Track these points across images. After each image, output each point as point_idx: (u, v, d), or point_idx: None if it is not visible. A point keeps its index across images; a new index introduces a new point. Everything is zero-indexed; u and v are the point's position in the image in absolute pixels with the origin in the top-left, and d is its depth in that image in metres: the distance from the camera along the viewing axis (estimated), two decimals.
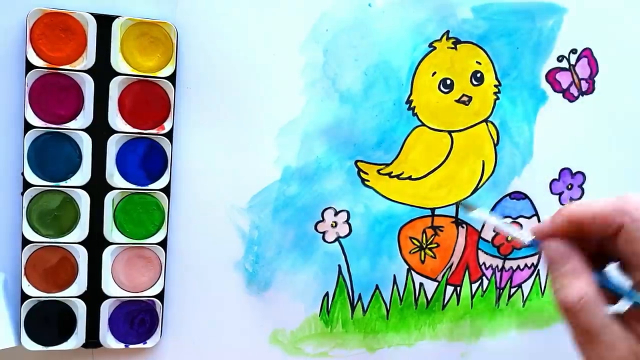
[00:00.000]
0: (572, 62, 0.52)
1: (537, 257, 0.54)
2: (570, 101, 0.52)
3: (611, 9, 0.52)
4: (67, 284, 0.44)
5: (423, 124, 0.49)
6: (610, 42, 0.52)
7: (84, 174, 0.43)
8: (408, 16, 0.47)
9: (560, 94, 0.52)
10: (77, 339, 0.45)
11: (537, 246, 0.35)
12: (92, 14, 0.41)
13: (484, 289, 0.53)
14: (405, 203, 0.50)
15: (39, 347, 0.44)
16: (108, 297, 0.45)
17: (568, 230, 0.34)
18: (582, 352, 0.35)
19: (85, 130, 0.43)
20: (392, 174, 0.49)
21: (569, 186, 0.54)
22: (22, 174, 0.42)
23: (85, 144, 0.43)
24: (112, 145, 0.43)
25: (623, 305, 0.33)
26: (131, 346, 0.46)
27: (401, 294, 0.51)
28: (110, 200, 0.44)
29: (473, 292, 0.53)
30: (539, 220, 0.53)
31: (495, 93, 0.50)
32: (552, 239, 0.34)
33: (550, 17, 0.51)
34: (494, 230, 0.52)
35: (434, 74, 0.49)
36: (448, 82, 0.49)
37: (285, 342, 0.49)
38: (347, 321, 0.50)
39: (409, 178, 0.50)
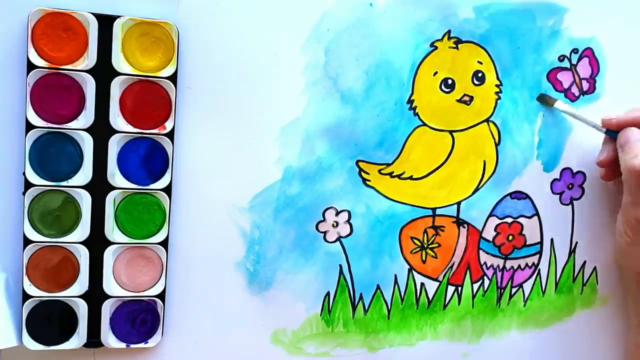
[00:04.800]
0: (574, 61, 0.52)
1: (537, 256, 0.54)
2: (572, 101, 0.52)
3: (612, 9, 0.52)
4: (68, 284, 0.44)
5: (424, 124, 0.49)
6: (612, 42, 0.52)
7: (85, 174, 0.43)
8: (409, 16, 0.47)
9: (562, 94, 0.52)
10: (78, 338, 0.45)
11: (612, 134, 0.46)
12: (93, 14, 0.41)
13: (485, 289, 0.53)
14: (406, 203, 0.50)
15: (41, 347, 0.44)
16: (109, 296, 0.45)
17: (635, 122, 0.45)
18: (634, 209, 0.44)
19: (87, 130, 0.43)
20: (393, 174, 0.49)
21: (570, 186, 0.54)
22: (24, 173, 0.42)
23: (87, 143, 0.43)
24: (114, 145, 0.43)
25: None
26: (132, 346, 0.46)
27: (402, 294, 0.51)
28: (111, 200, 0.44)
29: (474, 292, 0.53)
30: (539, 220, 0.53)
31: (496, 93, 0.50)
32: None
33: (551, 17, 0.51)
34: (570, 114, 0.52)
35: (435, 73, 0.49)
36: (449, 81, 0.49)
37: (287, 342, 0.50)
38: (348, 321, 0.51)
39: (410, 178, 0.50)
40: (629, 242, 0.48)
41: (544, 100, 0.51)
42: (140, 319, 0.46)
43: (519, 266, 0.54)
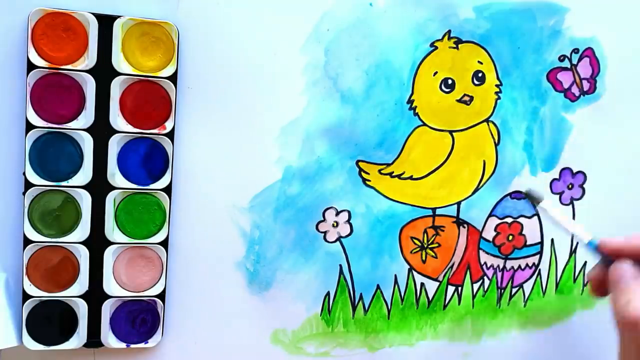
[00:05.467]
0: (574, 61, 0.52)
1: (537, 257, 0.54)
2: (572, 101, 0.52)
3: (613, 9, 0.52)
4: (68, 284, 0.44)
5: (424, 124, 0.49)
6: (612, 42, 0.52)
7: (85, 174, 0.43)
8: (409, 16, 0.47)
9: (562, 94, 0.52)
10: (78, 338, 0.45)
11: (594, 249, 0.41)
12: (93, 14, 0.41)
13: (485, 289, 0.53)
14: (406, 203, 0.50)
15: (41, 347, 0.44)
16: (109, 296, 0.45)
17: (633, 254, 0.38)
18: None
19: (87, 130, 0.43)
20: (393, 174, 0.49)
21: (570, 186, 0.54)
22: (24, 173, 0.42)
23: (87, 143, 0.43)
24: (114, 145, 0.43)
25: None
26: (132, 346, 0.46)
27: (402, 294, 0.51)
28: (111, 200, 0.44)
29: (474, 292, 0.53)
30: (539, 220, 0.53)
31: (496, 93, 0.50)
32: (620, 256, 0.38)
33: (551, 17, 0.51)
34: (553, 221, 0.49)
35: (435, 73, 0.49)
36: (449, 81, 0.49)
37: (287, 342, 0.50)
38: (348, 321, 0.51)
39: (410, 178, 0.50)
40: None
41: (531, 198, 0.50)
42: (140, 319, 0.46)
43: (519, 266, 0.54)
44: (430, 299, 0.52)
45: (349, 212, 0.49)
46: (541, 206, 0.48)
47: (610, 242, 0.39)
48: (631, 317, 0.34)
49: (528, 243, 0.54)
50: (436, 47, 0.48)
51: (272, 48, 0.45)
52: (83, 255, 0.44)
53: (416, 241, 0.51)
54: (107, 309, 0.45)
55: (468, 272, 0.53)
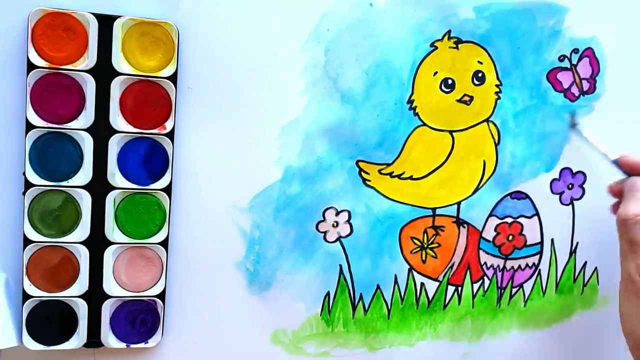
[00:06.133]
0: (574, 61, 0.52)
1: (537, 257, 0.54)
2: (572, 101, 0.52)
3: (613, 9, 0.52)
4: (68, 284, 0.44)
5: (424, 124, 0.49)
6: (612, 42, 0.52)
7: (85, 174, 0.43)
8: (409, 16, 0.47)
9: (562, 94, 0.52)
10: (78, 338, 0.45)
11: (617, 166, 0.49)
12: (93, 14, 0.41)
13: (485, 289, 0.53)
14: (406, 203, 0.50)
15: (41, 347, 0.44)
16: (109, 296, 0.45)
17: None
18: (625, 261, 0.45)
19: (87, 130, 0.43)
20: (393, 174, 0.49)
21: (570, 186, 0.54)
22: (24, 173, 0.42)
23: (87, 143, 0.43)
24: (114, 145, 0.43)
25: None
26: (132, 346, 0.46)
27: (402, 294, 0.51)
28: (111, 200, 0.44)
29: (474, 292, 0.53)
30: (539, 220, 0.53)
31: (496, 93, 0.50)
32: (636, 172, 0.47)
33: (551, 17, 0.51)
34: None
35: (435, 73, 0.49)
36: (449, 81, 0.49)
37: (287, 342, 0.50)
38: (348, 321, 0.51)
39: (410, 178, 0.50)
40: (621, 303, 0.46)
41: (572, 121, 0.52)
42: (140, 319, 0.46)
43: (519, 266, 0.54)
44: (430, 299, 0.52)
45: (349, 212, 0.49)
46: (577, 127, 0.52)
47: (627, 158, 0.48)
48: (621, 216, 0.45)
49: (528, 243, 0.54)
50: (436, 47, 0.48)
51: (272, 48, 0.45)
52: (83, 255, 0.44)
53: (416, 241, 0.51)
54: (107, 309, 0.45)
55: (468, 272, 0.53)
